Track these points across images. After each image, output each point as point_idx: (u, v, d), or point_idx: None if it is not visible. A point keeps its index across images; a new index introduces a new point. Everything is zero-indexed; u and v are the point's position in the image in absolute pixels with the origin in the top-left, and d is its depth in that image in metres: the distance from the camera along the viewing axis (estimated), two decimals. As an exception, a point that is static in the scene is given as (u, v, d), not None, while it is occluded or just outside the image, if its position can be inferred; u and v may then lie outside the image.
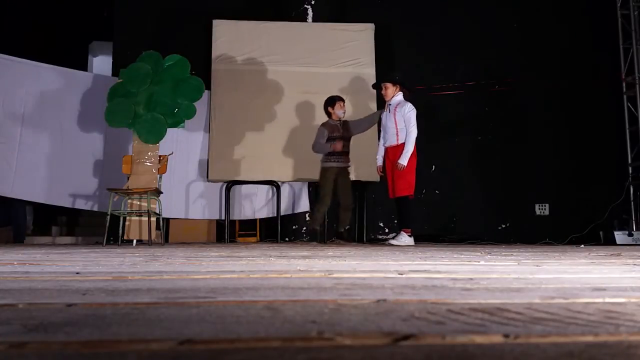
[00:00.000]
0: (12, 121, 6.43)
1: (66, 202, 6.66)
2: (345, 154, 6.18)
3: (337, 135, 6.12)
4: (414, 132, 5.74)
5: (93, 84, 6.84)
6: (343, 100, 6.26)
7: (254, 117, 7.08)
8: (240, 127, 7.06)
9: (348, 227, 6.07)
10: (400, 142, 5.79)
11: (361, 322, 0.87)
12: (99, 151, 6.81)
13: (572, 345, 0.73)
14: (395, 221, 6.59)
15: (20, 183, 6.41)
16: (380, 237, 7.45)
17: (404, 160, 5.68)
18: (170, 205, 6.66)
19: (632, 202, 7.50)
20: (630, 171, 7.64)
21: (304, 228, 7.35)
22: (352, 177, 6.38)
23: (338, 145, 6.07)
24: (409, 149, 5.71)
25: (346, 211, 6.10)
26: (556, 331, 0.80)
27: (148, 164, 5.86)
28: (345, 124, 6.24)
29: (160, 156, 5.91)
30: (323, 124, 6.20)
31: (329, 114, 6.20)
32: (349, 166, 6.22)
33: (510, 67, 7.79)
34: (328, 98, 6.26)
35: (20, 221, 6.85)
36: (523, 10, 7.92)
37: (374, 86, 6.40)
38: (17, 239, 6.77)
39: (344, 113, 6.22)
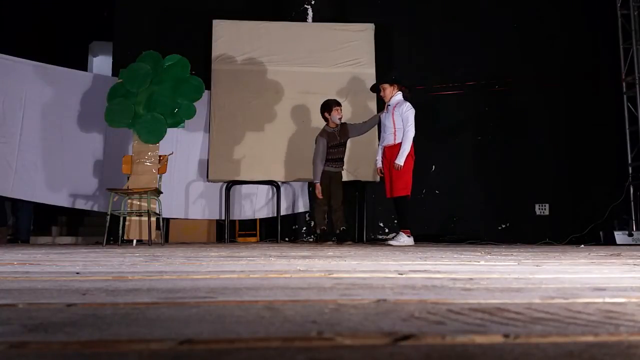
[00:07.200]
0: (13, 121, 6.43)
1: (66, 202, 6.66)
2: (340, 160, 6.20)
3: (336, 144, 6.11)
4: (411, 132, 5.69)
5: (93, 84, 6.84)
6: (339, 105, 6.20)
7: (254, 117, 7.08)
8: (240, 127, 7.05)
9: (344, 227, 6.06)
10: (397, 141, 5.75)
11: (361, 322, 0.87)
12: (99, 151, 6.80)
13: (572, 345, 0.73)
14: (395, 221, 6.59)
15: (20, 183, 6.40)
16: (380, 237, 7.45)
17: (400, 160, 5.64)
18: (170, 205, 6.66)
19: (632, 202, 7.49)
20: (630, 171, 7.63)
21: (304, 228, 7.35)
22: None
23: (337, 153, 6.12)
24: (406, 148, 5.67)
25: (336, 212, 6.10)
26: (556, 331, 0.80)
27: (148, 164, 5.86)
28: (343, 127, 6.20)
29: (160, 156, 5.91)
30: (321, 134, 6.15)
31: (326, 120, 6.18)
32: (342, 170, 6.27)
33: (510, 67, 7.79)
34: (324, 103, 6.19)
35: (25, 221, 6.84)
36: (523, 10, 7.92)
37: (372, 89, 6.32)
38: (21, 239, 6.76)
39: (340, 119, 6.16)
